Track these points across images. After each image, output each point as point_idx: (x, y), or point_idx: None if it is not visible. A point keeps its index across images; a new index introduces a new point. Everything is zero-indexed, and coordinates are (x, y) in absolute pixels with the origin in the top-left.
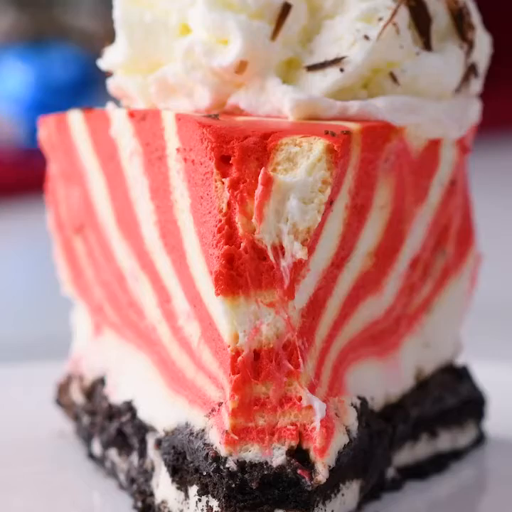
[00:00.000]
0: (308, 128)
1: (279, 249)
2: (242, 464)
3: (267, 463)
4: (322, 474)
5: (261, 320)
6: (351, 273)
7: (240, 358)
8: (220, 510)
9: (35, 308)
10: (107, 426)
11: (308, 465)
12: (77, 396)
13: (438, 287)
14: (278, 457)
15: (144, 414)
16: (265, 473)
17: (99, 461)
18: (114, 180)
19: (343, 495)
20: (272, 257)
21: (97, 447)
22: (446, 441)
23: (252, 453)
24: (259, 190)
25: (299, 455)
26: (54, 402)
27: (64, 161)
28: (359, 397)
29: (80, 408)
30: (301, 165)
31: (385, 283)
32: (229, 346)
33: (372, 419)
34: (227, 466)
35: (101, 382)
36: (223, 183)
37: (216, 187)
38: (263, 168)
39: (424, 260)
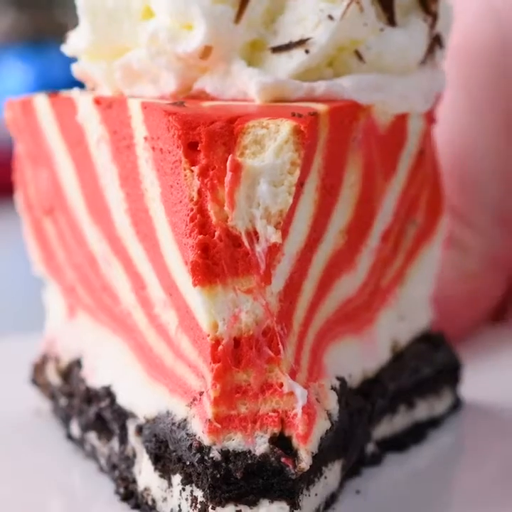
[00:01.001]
0: (275, 110)
1: (253, 235)
2: (225, 454)
3: (250, 452)
4: (305, 461)
5: (239, 308)
6: (324, 253)
7: (220, 347)
8: (205, 500)
9: (35, 309)
10: (86, 409)
11: (291, 453)
12: (53, 377)
13: (410, 257)
14: (261, 445)
15: (123, 400)
16: (249, 462)
17: (78, 442)
18: (83, 165)
19: (325, 477)
20: (246, 243)
21: (75, 429)
22: (423, 410)
23: (236, 442)
24: (228, 176)
25: (282, 442)
26: (30, 381)
27: (31, 143)
28: (338, 378)
29: (57, 389)
30: (269, 147)
31: (358, 259)
32: (208, 335)
33: (351, 398)
34: (211, 455)
35: (77, 364)
36: (192, 171)
37: (185, 175)
38: (231, 154)
39: (395, 232)
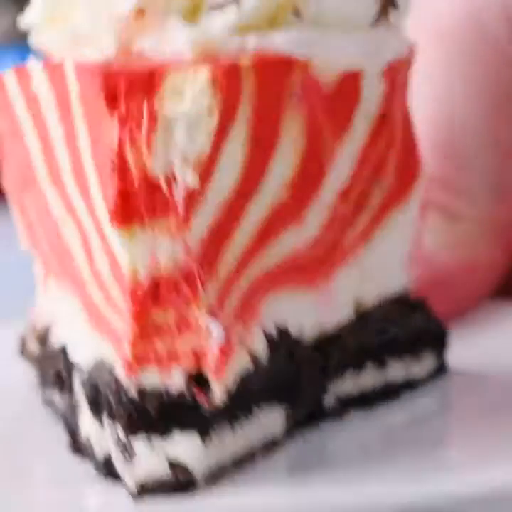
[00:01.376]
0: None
1: (172, 180)
2: (142, 392)
3: (166, 390)
4: (218, 397)
5: (158, 249)
6: (263, 204)
7: (138, 288)
8: (124, 438)
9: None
10: (50, 371)
11: (208, 390)
12: (33, 346)
13: (377, 220)
14: (177, 383)
15: (72, 352)
16: (165, 399)
17: (49, 404)
18: (43, 133)
19: (259, 418)
20: (165, 188)
21: (48, 393)
22: (396, 370)
23: (152, 380)
24: (145, 123)
25: (198, 380)
26: (19, 354)
27: (7, 119)
28: (278, 326)
29: (35, 355)
30: (187, 94)
31: (306, 214)
32: (128, 277)
33: (297, 348)
34: (128, 395)
35: (49, 330)
36: (112, 121)
37: (106, 126)
38: (148, 101)
39: (356, 193)
